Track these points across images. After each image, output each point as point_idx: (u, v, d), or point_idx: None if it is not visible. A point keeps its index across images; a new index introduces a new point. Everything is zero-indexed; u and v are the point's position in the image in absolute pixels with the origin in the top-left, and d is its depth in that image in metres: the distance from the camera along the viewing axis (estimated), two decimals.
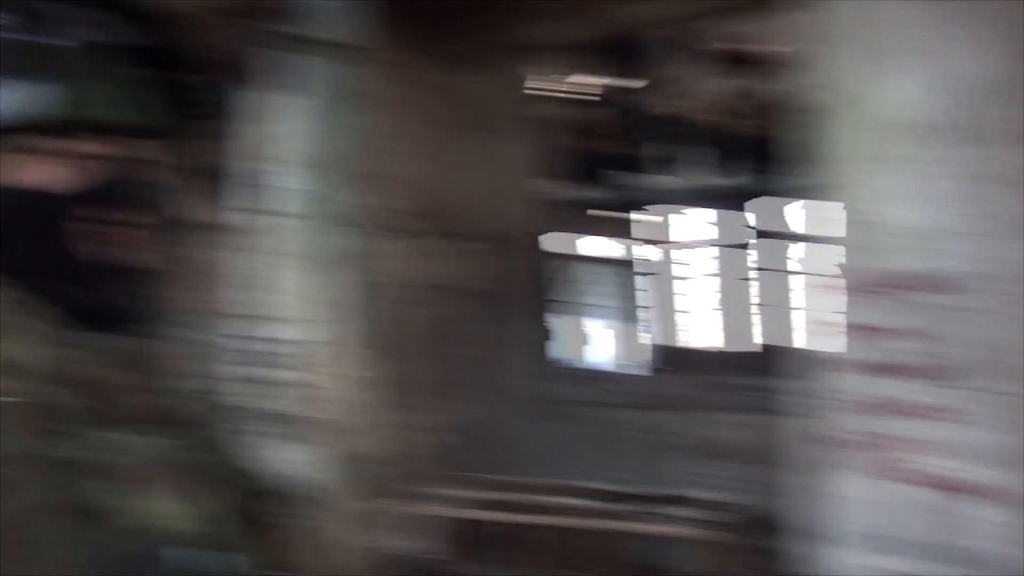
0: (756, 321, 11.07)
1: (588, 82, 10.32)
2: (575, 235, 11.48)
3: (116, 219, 0.94)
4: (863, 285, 3.70)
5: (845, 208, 3.87)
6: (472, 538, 6.56)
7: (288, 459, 7.98)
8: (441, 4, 8.52)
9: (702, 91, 9.53)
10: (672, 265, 12.16)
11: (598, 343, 12.07)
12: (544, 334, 8.64)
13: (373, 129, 7.93)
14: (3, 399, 0.82)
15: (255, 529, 0.99)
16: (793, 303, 10.56)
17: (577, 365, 10.84)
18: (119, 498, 0.88)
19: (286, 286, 8.25)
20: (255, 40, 4.99)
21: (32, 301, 0.90)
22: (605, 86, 10.28)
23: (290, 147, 8.20)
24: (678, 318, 12.09)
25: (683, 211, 11.56)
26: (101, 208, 0.93)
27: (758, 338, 10.88)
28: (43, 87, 0.91)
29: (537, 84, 9.19)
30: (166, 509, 0.90)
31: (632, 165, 9.91)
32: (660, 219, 11.67)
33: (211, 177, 11.74)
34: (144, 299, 1.01)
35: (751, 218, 10.41)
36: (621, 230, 11.43)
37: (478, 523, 6.53)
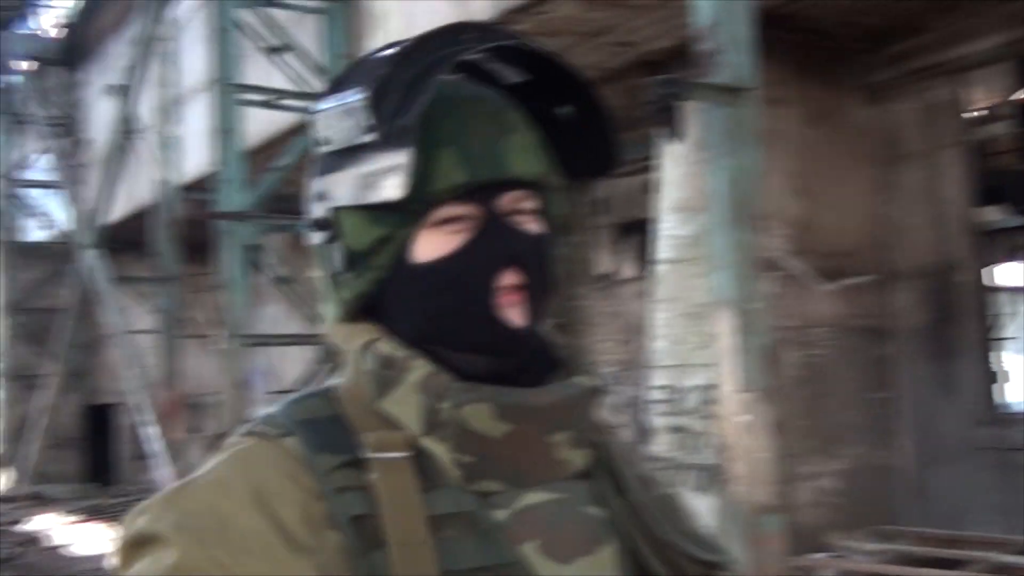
0: None
1: None
2: (1015, 264, 10.35)
3: (530, 279, 0.94)
4: None
5: None
6: None
7: (704, 510, 7.99)
8: (856, 38, 8.19)
9: None
10: None
11: None
12: (982, 374, 7.81)
13: (780, 171, 7.78)
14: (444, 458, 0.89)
15: None
16: None
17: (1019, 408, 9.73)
18: (544, 562, 0.91)
19: (691, 334, 8.30)
20: (661, 91, 5.09)
21: (459, 369, 0.94)
22: None
23: (691, 194, 8.28)
24: None
25: None
26: (517, 265, 0.94)
27: None
28: (471, 145, 0.92)
29: (971, 105, 8.42)
30: (592, 575, 0.92)
31: None
32: None
33: (622, 229, 12.18)
34: (561, 354, 1.01)
35: None
36: None
37: None
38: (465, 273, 0.93)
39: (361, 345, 0.96)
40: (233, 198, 8.64)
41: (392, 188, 0.88)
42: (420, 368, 0.93)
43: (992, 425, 7.65)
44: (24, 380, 17.23)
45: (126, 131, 12.21)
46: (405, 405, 0.93)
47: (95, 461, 17.81)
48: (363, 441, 0.90)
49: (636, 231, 12.07)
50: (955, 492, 7.72)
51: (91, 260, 12.76)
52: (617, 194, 12.36)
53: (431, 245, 0.93)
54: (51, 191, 18.30)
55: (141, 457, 17.50)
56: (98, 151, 16.82)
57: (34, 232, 19.46)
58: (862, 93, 8.35)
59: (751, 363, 5.50)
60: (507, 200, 0.94)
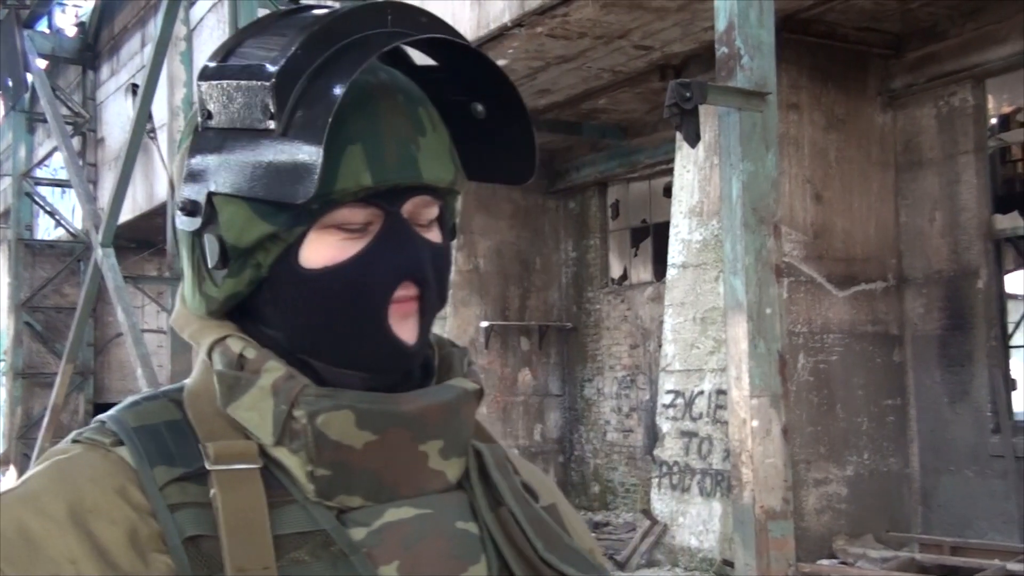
0: None
1: None
2: None
3: (426, 293, 0.86)
4: None
5: None
6: None
7: (712, 514, 7.97)
8: (875, 43, 8.18)
9: None
10: None
11: None
12: (996, 382, 7.77)
13: (795, 176, 7.77)
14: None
15: None
16: None
17: None
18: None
19: (702, 338, 8.29)
20: (678, 95, 5.07)
21: (342, 377, 0.86)
22: None
23: (705, 199, 8.27)
24: None
25: None
26: (415, 279, 0.85)
27: None
28: (382, 145, 0.83)
29: (990, 112, 8.39)
30: None
31: None
32: None
33: (636, 233, 12.18)
34: (441, 353, 0.93)
35: None
36: None
37: None
38: (360, 283, 0.83)
39: (212, 342, 0.86)
40: None
41: (298, 187, 0.78)
42: (274, 371, 0.83)
43: (1005, 433, 7.62)
44: (33, 378, 17.30)
45: (140, 130, 12.23)
46: (255, 411, 0.83)
47: None
48: (206, 451, 0.81)
49: (649, 235, 12.06)
50: (964, 500, 7.69)
51: (103, 259, 12.77)
52: (631, 198, 12.35)
53: (323, 249, 0.83)
54: (64, 189, 18.39)
55: None
56: (111, 150, 16.88)
57: (47, 230, 19.56)
58: (880, 99, 8.34)
59: (762, 368, 5.47)
60: (411, 206, 0.84)
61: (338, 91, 0.78)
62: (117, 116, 16.76)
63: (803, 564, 6.50)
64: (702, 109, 5.29)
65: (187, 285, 0.89)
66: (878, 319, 8.21)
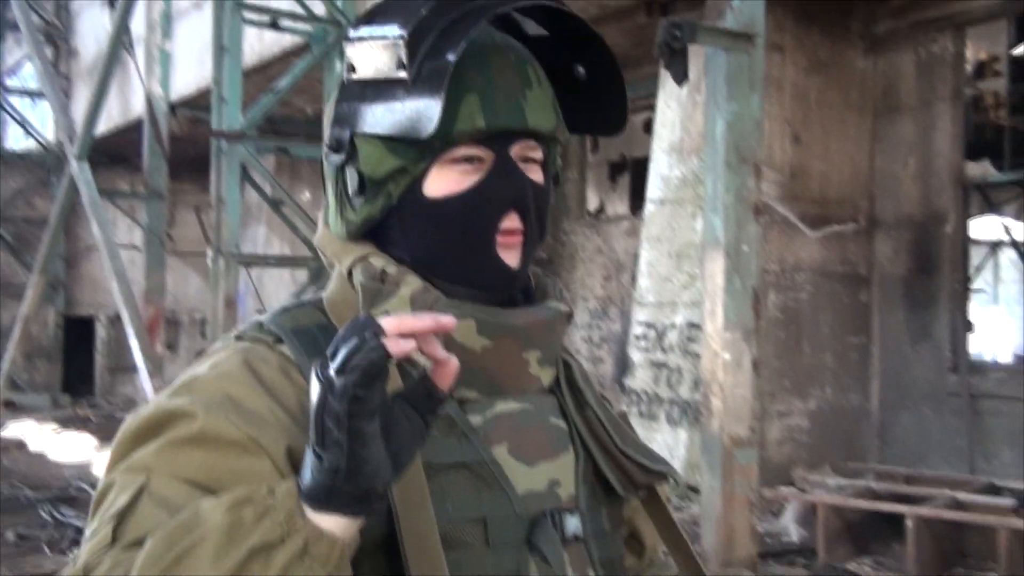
0: None
1: None
2: (996, 217, 10.59)
3: (528, 225, 1.01)
4: None
5: None
6: (851, 527, 6.39)
7: (678, 441, 8.26)
8: None
9: None
10: None
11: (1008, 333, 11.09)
12: (957, 324, 8.06)
13: (774, 117, 7.90)
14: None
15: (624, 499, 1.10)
16: None
17: (987, 357, 10.04)
18: (512, 462, 1.00)
19: (677, 272, 8.48)
20: (668, 34, 5.16)
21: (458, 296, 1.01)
22: None
23: (688, 136, 8.39)
24: None
25: None
26: (520, 210, 1.00)
27: None
28: (494, 95, 0.97)
29: (968, 60, 8.53)
30: (551, 476, 1.03)
31: None
32: None
33: (614, 167, 12.25)
34: (537, 281, 1.10)
35: None
36: None
37: (858, 512, 6.35)
38: (473, 211, 0.99)
39: (356, 258, 1.02)
40: (230, 117, 8.64)
41: (423, 125, 0.93)
42: (412, 284, 0.99)
43: (961, 373, 7.94)
44: (2, 289, 17.25)
45: (117, 43, 12.07)
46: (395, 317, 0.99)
47: (71, 373, 17.92)
48: None
49: (628, 169, 12.17)
50: (920, 435, 8.03)
51: (78, 172, 12.70)
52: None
53: (444, 181, 0.98)
54: (35, 100, 18.10)
55: (117, 370, 17.64)
56: (85, 62, 16.61)
57: (16, 140, 19.29)
58: (863, 43, 8.46)
59: (737, 304, 5.66)
60: (518, 148, 0.99)
61: (458, 48, 0.93)
62: (92, 27, 16.45)
63: (764, 490, 6.80)
64: (690, 49, 5.38)
65: (331, 211, 1.06)
66: (848, 260, 8.44)
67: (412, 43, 0.95)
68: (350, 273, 1.02)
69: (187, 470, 0.88)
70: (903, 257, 8.34)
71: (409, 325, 0.79)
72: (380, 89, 0.97)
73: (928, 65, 8.15)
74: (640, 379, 8.79)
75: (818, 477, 7.29)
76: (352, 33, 1.00)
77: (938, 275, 8.09)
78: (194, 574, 0.76)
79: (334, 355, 0.78)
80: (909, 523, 5.95)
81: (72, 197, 13.53)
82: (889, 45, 8.36)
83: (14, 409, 15.21)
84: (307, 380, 0.90)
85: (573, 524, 1.01)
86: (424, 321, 0.80)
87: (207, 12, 10.84)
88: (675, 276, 8.51)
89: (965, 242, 8.23)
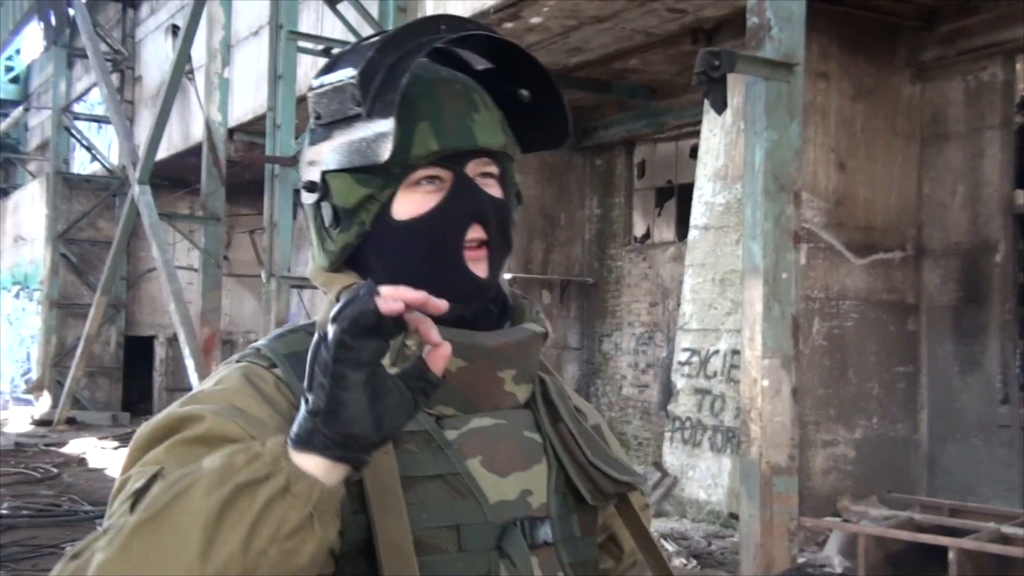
0: None
1: None
2: None
3: (492, 236, 1.10)
4: None
5: None
6: (892, 559, 6.31)
7: (722, 469, 8.22)
8: (907, 15, 8.22)
9: None
10: None
11: None
12: (1008, 354, 7.94)
13: (819, 144, 7.90)
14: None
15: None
16: None
17: None
18: (484, 474, 1.08)
19: (720, 299, 8.48)
20: (707, 62, 5.22)
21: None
22: None
23: (730, 163, 8.41)
24: None
25: None
26: (482, 222, 1.08)
27: None
28: (444, 120, 1.06)
29: (1018, 88, 8.44)
30: (523, 486, 1.10)
31: None
32: None
33: (659, 193, 12.29)
34: (516, 303, 1.19)
35: None
36: None
37: (901, 544, 6.27)
38: (439, 228, 1.07)
39: (343, 287, 1.11)
40: (284, 143, 8.87)
41: (380, 151, 1.02)
42: None
43: (1013, 404, 7.81)
44: (67, 308, 17.73)
45: (179, 71, 12.45)
46: None
47: (130, 391, 18.33)
48: None
49: (674, 195, 12.19)
50: (969, 467, 7.91)
51: (139, 195, 13.07)
52: (657, 158, 12.48)
53: (409, 204, 1.07)
54: (100, 125, 18.66)
55: (174, 389, 17.98)
56: (148, 89, 17.10)
57: (82, 165, 19.88)
58: (909, 71, 8.42)
59: (776, 331, 5.67)
60: (473, 166, 1.08)
61: (404, 79, 1.03)
62: (155, 55, 16.95)
63: (806, 519, 6.75)
64: (731, 75, 5.42)
65: (314, 247, 1.17)
66: (895, 288, 8.37)
67: (364, 82, 1.05)
68: (338, 299, 1.11)
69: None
70: (952, 286, 8.25)
71: (403, 293, 0.86)
72: (341, 128, 1.08)
73: (977, 92, 8.09)
74: (684, 405, 8.78)
75: (862, 508, 7.22)
76: (313, 84, 1.11)
77: (988, 304, 7.99)
78: (187, 509, 0.84)
79: (335, 315, 0.87)
80: (952, 556, 5.87)
81: (134, 220, 13.93)
82: (937, 72, 8.31)
83: (76, 426, 15.61)
84: (296, 398, 1.00)
85: (544, 531, 1.10)
86: (417, 295, 0.87)
87: (264, 40, 11.14)
88: (718, 302, 8.51)
89: (1015, 271, 8.12)
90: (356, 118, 1.06)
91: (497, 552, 1.06)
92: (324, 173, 1.10)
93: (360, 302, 0.85)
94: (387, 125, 1.02)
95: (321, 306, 1.16)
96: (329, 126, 1.09)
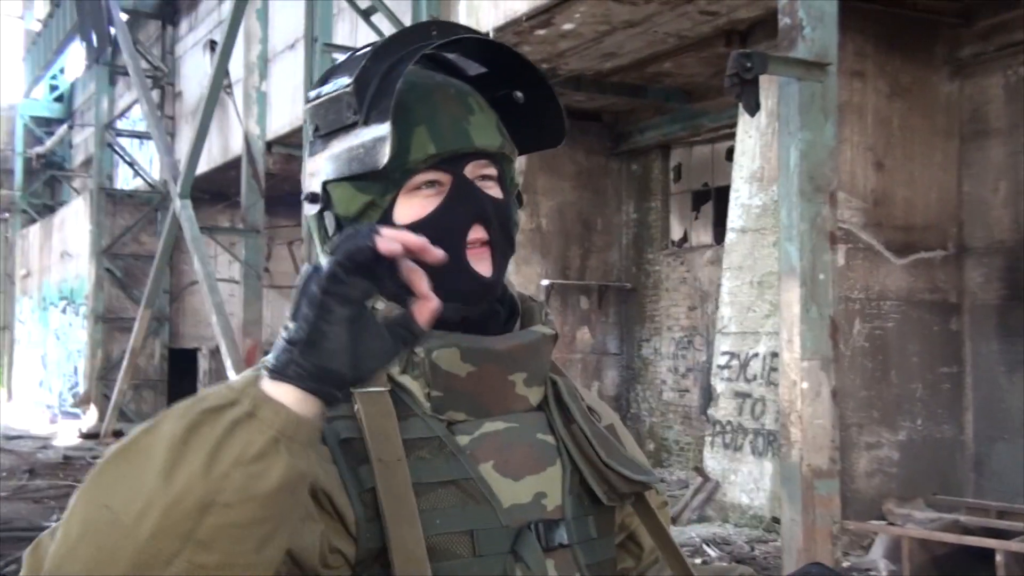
0: None
1: None
2: None
3: (493, 236, 1.10)
4: None
5: None
6: (938, 562, 6.22)
7: (764, 473, 8.16)
8: (945, 12, 8.13)
9: None
10: None
11: None
12: None
13: (857, 144, 7.82)
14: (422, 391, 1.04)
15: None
16: None
17: None
18: (498, 478, 1.08)
19: (759, 301, 8.42)
20: (739, 64, 5.19)
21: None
22: None
23: (766, 165, 8.36)
24: None
25: None
26: (483, 222, 1.09)
27: None
28: (440, 123, 1.07)
29: None
30: (537, 489, 1.11)
31: None
32: None
33: (696, 196, 12.24)
34: (525, 305, 1.19)
35: None
36: None
37: (946, 547, 6.18)
38: (442, 229, 1.06)
39: None
40: None
41: (379, 157, 1.02)
42: None
43: None
44: (112, 322, 18.01)
45: (218, 85, 12.61)
46: None
47: (174, 403, 18.48)
48: None
49: (711, 198, 12.13)
50: (1018, 468, 7.77)
51: (180, 209, 13.25)
52: (693, 161, 12.43)
53: (410, 208, 1.08)
54: (142, 141, 18.95)
55: None
56: (188, 104, 17.35)
57: (125, 180, 20.20)
58: (948, 67, 8.31)
59: (814, 333, 5.62)
60: (472, 168, 1.09)
61: (399, 84, 1.04)
62: (194, 70, 17.19)
63: (849, 522, 6.68)
64: (765, 76, 5.40)
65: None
66: (937, 287, 8.26)
67: (359, 90, 1.06)
68: None
69: None
70: (995, 284, 8.12)
71: (403, 236, 0.86)
72: (339, 137, 1.09)
73: (1017, 88, 7.97)
74: (724, 409, 8.73)
75: (907, 510, 7.13)
76: (309, 96, 1.12)
77: None
78: (156, 435, 0.84)
79: (333, 248, 0.87)
80: (999, 558, 5.78)
81: (176, 233, 14.12)
82: (975, 69, 8.20)
83: (122, 439, 15.82)
84: None
85: (559, 533, 1.10)
86: (417, 240, 0.87)
87: (300, 53, 11.25)
88: (757, 305, 8.46)
89: None
90: (353, 126, 1.07)
91: (512, 556, 1.06)
92: (325, 183, 1.11)
93: (360, 237, 0.85)
94: (383, 131, 1.03)
95: None
96: (327, 136, 1.10)
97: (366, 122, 1.06)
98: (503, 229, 1.12)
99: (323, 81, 1.13)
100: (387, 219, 1.09)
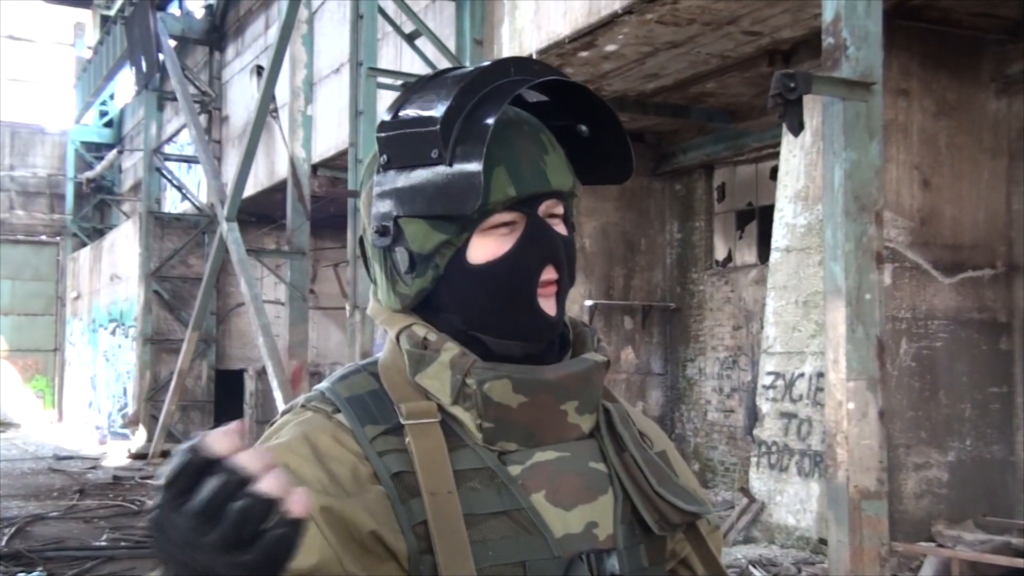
0: None
1: None
2: None
3: (561, 275, 1.11)
4: None
5: None
6: None
7: (810, 494, 8.08)
8: (990, 29, 8.07)
9: None
10: None
11: None
12: None
13: (903, 163, 7.77)
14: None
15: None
16: None
17: None
18: (549, 508, 1.08)
19: (804, 321, 8.37)
20: (783, 84, 5.20)
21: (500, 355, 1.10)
22: None
23: (810, 184, 8.32)
24: None
25: None
26: (555, 263, 1.10)
27: None
28: (520, 164, 1.07)
29: None
30: (588, 518, 1.11)
31: None
32: None
33: (741, 216, 12.20)
34: (577, 331, 1.20)
35: None
36: None
37: (997, 569, 6.08)
38: (515, 271, 1.08)
39: (402, 327, 1.12)
40: None
41: (467, 204, 1.04)
42: (451, 349, 1.09)
43: None
44: (160, 343, 18.28)
45: (264, 110, 12.82)
46: (437, 380, 1.09)
47: (220, 424, 18.70)
48: (400, 410, 1.08)
49: (755, 218, 12.09)
50: None
51: (227, 232, 13.45)
52: (737, 180, 12.40)
53: (485, 248, 1.08)
54: (190, 165, 19.28)
55: (264, 422, 18.37)
56: (235, 128, 17.64)
57: (173, 204, 20.56)
58: (995, 85, 8.24)
59: (860, 353, 5.57)
60: (544, 207, 1.10)
61: (487, 124, 1.05)
62: (241, 95, 17.48)
63: (898, 544, 6.60)
64: (808, 95, 5.39)
65: (381, 288, 1.18)
66: (985, 307, 8.16)
67: (444, 129, 1.06)
68: (397, 339, 1.15)
69: None
70: None
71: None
72: (418, 174, 1.09)
73: None
74: (769, 430, 8.67)
75: (957, 532, 7.03)
76: (385, 123, 1.12)
77: None
78: None
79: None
80: None
81: (223, 256, 14.33)
82: (1022, 87, 8.12)
83: (170, 460, 16.00)
84: (360, 445, 1.05)
85: (611, 563, 1.10)
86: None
87: (345, 77, 11.42)
88: (802, 325, 8.41)
89: None
90: (435, 166, 1.07)
91: None
92: (397, 218, 1.11)
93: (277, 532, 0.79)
94: (473, 178, 1.04)
95: (384, 345, 1.18)
96: (403, 170, 1.10)
97: (450, 164, 1.06)
98: (569, 268, 1.13)
99: (398, 106, 1.13)
100: (461, 257, 1.10)
